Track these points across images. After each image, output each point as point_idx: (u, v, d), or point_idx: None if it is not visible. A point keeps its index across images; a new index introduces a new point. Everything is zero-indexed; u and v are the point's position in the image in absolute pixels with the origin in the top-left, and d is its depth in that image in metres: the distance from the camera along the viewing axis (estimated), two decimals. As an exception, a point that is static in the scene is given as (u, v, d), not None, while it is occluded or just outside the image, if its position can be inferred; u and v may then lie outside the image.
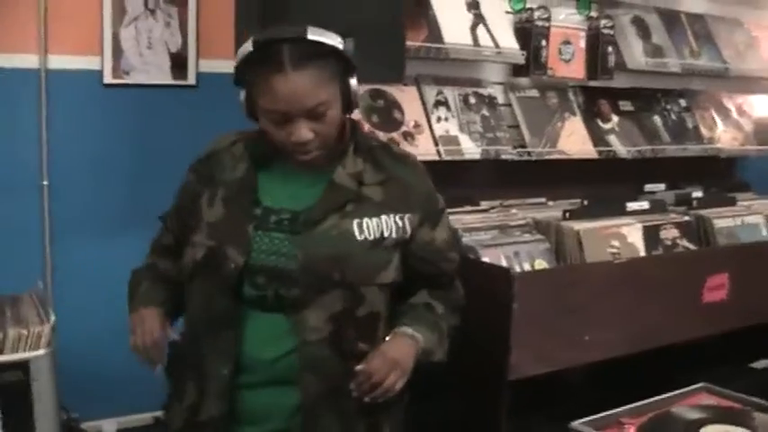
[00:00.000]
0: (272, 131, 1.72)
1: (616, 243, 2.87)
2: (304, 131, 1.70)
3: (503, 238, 2.74)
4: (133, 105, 2.66)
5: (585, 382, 2.87)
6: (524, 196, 3.19)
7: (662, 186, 3.49)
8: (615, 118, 3.34)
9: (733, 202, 3.41)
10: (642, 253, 2.92)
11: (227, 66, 2.62)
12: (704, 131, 3.59)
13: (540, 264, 2.73)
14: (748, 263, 3.09)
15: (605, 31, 3.19)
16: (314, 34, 1.69)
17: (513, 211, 3.00)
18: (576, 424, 1.75)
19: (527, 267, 2.69)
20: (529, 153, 3.03)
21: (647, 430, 1.74)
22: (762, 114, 3.88)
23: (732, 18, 3.74)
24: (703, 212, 3.21)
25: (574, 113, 3.24)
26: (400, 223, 1.82)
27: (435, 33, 2.79)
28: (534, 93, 3.18)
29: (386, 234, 1.80)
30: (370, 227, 1.78)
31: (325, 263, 1.73)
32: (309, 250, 1.73)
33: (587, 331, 2.64)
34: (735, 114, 3.77)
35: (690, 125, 3.57)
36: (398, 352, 1.76)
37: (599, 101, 3.33)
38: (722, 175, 3.85)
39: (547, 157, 3.09)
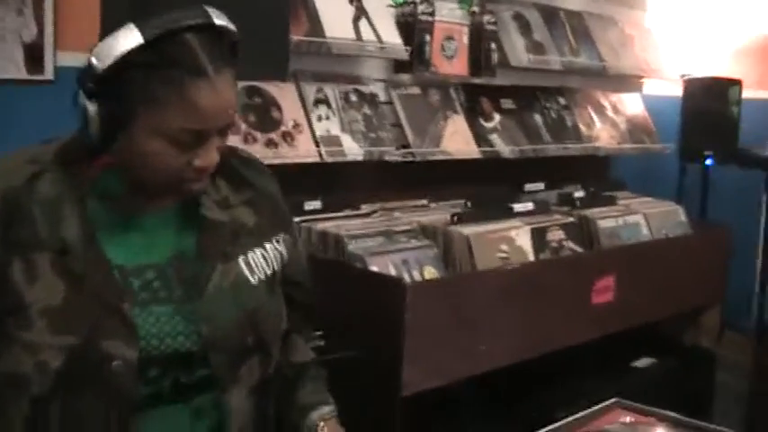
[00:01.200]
0: (164, 158, 1.27)
1: (505, 247, 2.77)
2: (214, 154, 1.30)
3: (389, 244, 2.60)
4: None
5: (477, 393, 2.76)
6: (405, 198, 3.07)
7: (541, 185, 3.44)
8: (497, 116, 3.26)
9: (613, 202, 3.39)
10: (531, 256, 2.84)
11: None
12: (583, 130, 3.56)
13: (430, 271, 2.59)
14: (633, 263, 3.08)
15: (488, 27, 3.09)
16: (218, 18, 1.28)
17: (397, 214, 2.87)
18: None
19: (416, 275, 2.55)
20: (412, 154, 2.90)
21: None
22: (635, 112, 3.89)
23: (608, 16, 3.73)
24: (587, 213, 3.16)
25: (456, 112, 3.13)
26: (279, 248, 1.48)
27: (316, 27, 2.61)
28: (416, 90, 3.04)
29: (275, 267, 1.45)
30: (258, 263, 1.42)
31: (236, 330, 1.36)
32: (212, 321, 1.34)
33: (482, 341, 2.54)
34: (611, 112, 3.76)
35: (569, 123, 3.52)
36: None
37: (481, 99, 3.24)
38: (599, 174, 3.85)
39: (430, 158, 2.96)
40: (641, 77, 3.91)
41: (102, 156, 1.29)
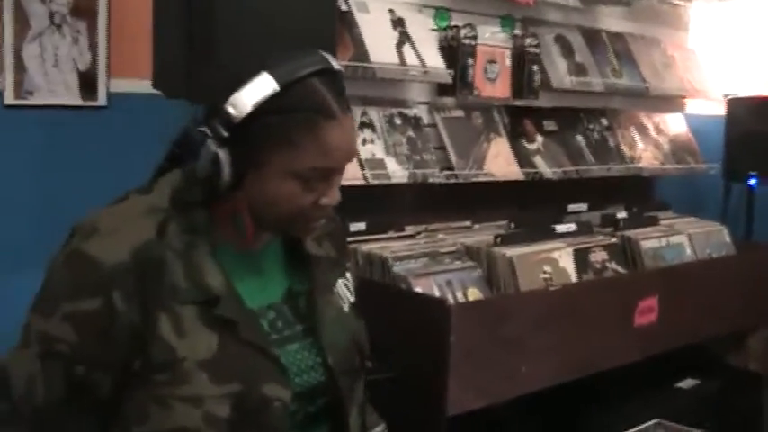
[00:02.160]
0: (294, 198, 1.31)
1: (548, 268, 2.79)
2: (338, 191, 1.35)
3: (433, 265, 2.63)
4: (38, 128, 2.45)
5: (520, 414, 2.77)
6: (449, 220, 3.09)
7: (584, 206, 3.44)
8: (540, 138, 3.28)
9: (656, 222, 3.39)
10: (573, 277, 2.85)
11: (140, 85, 2.47)
12: (626, 150, 3.56)
13: (474, 292, 2.62)
14: (676, 285, 3.08)
15: (530, 49, 3.12)
16: (334, 62, 1.33)
17: (441, 236, 2.90)
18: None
19: (460, 296, 2.58)
20: (456, 176, 2.93)
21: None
22: (678, 132, 3.88)
23: (650, 37, 3.73)
24: (629, 234, 3.17)
25: (499, 134, 3.16)
26: (351, 276, 1.55)
27: (361, 52, 2.66)
28: (459, 113, 3.08)
29: (354, 293, 1.52)
30: (344, 292, 1.49)
31: (349, 354, 1.44)
32: (334, 350, 1.41)
33: (523, 362, 2.55)
34: (653, 133, 3.76)
35: (612, 144, 3.53)
36: None
37: (523, 121, 3.26)
38: (642, 194, 3.84)
39: (473, 180, 2.99)
40: (684, 98, 3.90)
41: (227, 202, 1.33)
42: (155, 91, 2.25)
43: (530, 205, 3.27)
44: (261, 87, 1.26)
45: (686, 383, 3.36)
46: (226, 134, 1.27)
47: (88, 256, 1.27)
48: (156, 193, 1.35)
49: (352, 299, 1.51)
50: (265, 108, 1.26)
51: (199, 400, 1.26)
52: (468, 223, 3.13)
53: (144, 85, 2.47)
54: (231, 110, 1.26)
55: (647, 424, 1.90)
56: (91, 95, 2.45)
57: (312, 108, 1.27)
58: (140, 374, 1.27)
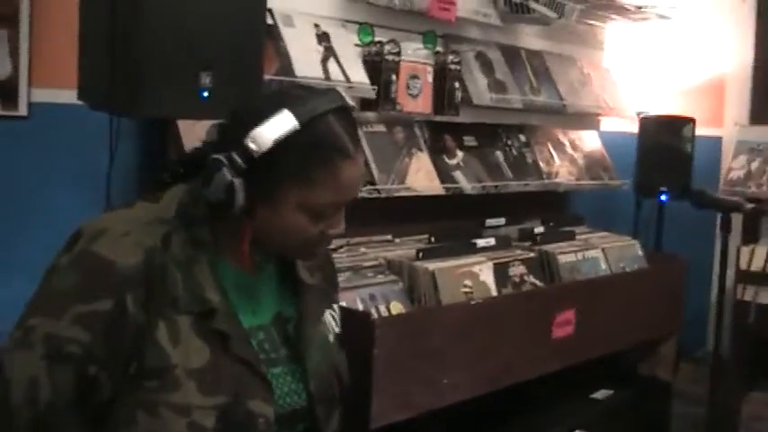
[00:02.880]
0: (303, 229, 1.36)
1: (469, 282, 2.84)
2: (343, 221, 1.41)
3: (357, 279, 2.65)
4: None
5: (440, 426, 2.81)
6: (370, 234, 3.11)
7: (502, 221, 3.50)
8: (460, 153, 3.33)
9: (573, 237, 3.47)
10: (493, 291, 2.91)
11: (63, 95, 2.44)
12: (543, 166, 3.65)
13: (396, 306, 2.65)
14: (592, 297, 3.16)
15: (452, 66, 3.17)
16: (348, 100, 1.40)
17: (363, 249, 2.91)
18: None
19: (383, 310, 2.61)
20: (378, 191, 2.96)
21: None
22: (593, 149, 3.99)
23: (567, 55, 3.83)
24: (547, 248, 3.24)
25: (420, 149, 3.20)
26: (337, 309, 1.60)
27: (286, 66, 2.67)
28: (381, 128, 3.11)
29: (339, 325, 1.58)
30: (330, 322, 1.55)
31: (330, 384, 1.48)
32: (317, 378, 1.45)
33: (445, 374, 2.59)
34: (569, 149, 3.86)
35: (529, 160, 3.61)
36: None
37: (444, 136, 3.31)
38: (558, 208, 3.94)
39: (395, 194, 3.02)
40: (599, 115, 4.01)
41: (230, 223, 1.37)
42: (77, 101, 2.23)
43: (449, 219, 3.31)
44: (281, 124, 1.30)
45: (600, 394, 3.45)
46: (244, 166, 1.31)
47: (100, 256, 1.30)
48: (162, 205, 1.39)
49: (337, 330, 1.55)
50: (284, 144, 1.31)
51: (186, 409, 1.28)
52: (389, 237, 3.16)
53: (66, 95, 2.44)
54: (252, 145, 1.30)
55: (566, 435, 1.95)
56: (11, 105, 2.40)
57: (330, 146, 1.33)
58: (133, 379, 1.29)
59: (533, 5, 3.29)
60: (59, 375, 1.28)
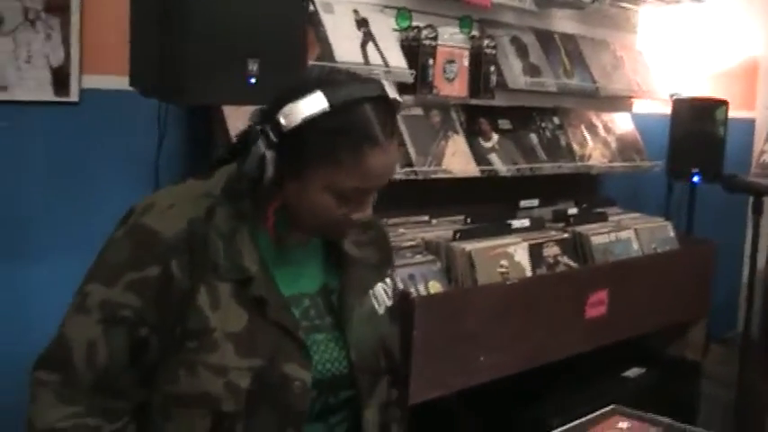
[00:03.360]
0: (327, 209, 1.41)
1: (504, 262, 2.90)
2: (371, 208, 1.45)
3: (396, 259, 2.71)
4: (10, 123, 2.47)
5: (476, 404, 2.88)
6: (407, 215, 3.18)
7: (535, 202, 3.55)
8: (495, 136, 3.38)
9: (605, 218, 3.52)
10: (528, 271, 2.96)
11: (113, 82, 2.51)
12: (576, 149, 3.68)
13: (435, 285, 2.72)
14: (625, 278, 3.21)
15: (488, 50, 3.22)
16: (391, 91, 1.43)
17: (401, 230, 2.98)
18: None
19: (422, 289, 2.68)
20: (416, 173, 3.02)
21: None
22: (625, 131, 4.02)
23: (600, 39, 3.86)
24: (580, 229, 3.29)
25: (456, 132, 3.26)
26: (392, 282, 1.66)
27: (327, 52, 2.73)
28: (419, 111, 3.17)
29: (392, 299, 1.63)
30: (381, 295, 1.59)
31: (374, 354, 1.54)
32: (359, 347, 1.51)
33: (481, 353, 2.66)
34: (602, 132, 3.89)
35: (563, 143, 3.65)
36: None
37: (479, 119, 3.36)
38: (590, 190, 3.98)
39: (432, 176, 3.08)
40: (632, 98, 4.04)
41: (274, 199, 1.43)
42: (127, 87, 2.31)
43: (483, 201, 3.37)
44: (312, 104, 1.35)
45: (632, 372, 3.50)
46: (275, 139, 1.37)
47: (147, 227, 1.41)
48: (213, 180, 1.48)
49: (389, 303, 1.61)
50: (314, 125, 1.36)
51: (223, 369, 1.38)
52: (426, 218, 3.22)
53: (116, 81, 2.51)
54: (282, 119, 1.37)
55: (604, 409, 2.00)
56: (63, 92, 2.47)
57: (357, 133, 1.36)
58: (177, 340, 1.40)
59: (568, -10, 3.33)
60: (114, 338, 1.39)
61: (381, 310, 1.59)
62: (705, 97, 4.06)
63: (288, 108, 1.37)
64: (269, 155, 1.37)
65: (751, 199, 3.07)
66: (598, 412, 1.99)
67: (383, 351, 1.58)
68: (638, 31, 4.12)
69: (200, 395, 1.39)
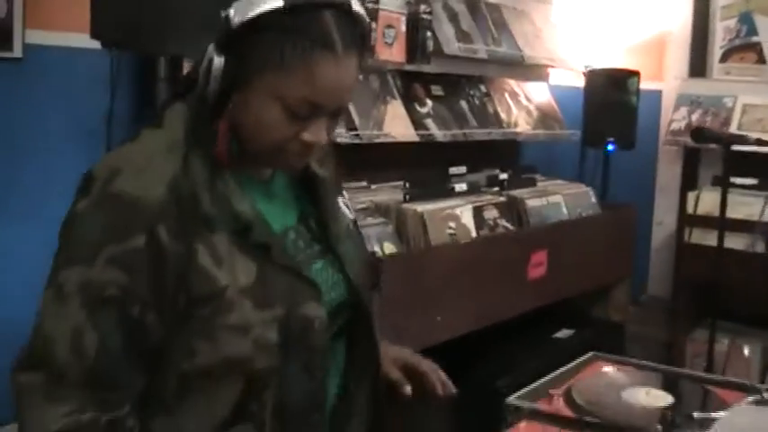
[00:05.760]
0: (275, 125, 1.27)
1: (452, 224, 2.92)
2: (324, 132, 1.31)
3: (349, 221, 2.70)
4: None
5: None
6: (345, 180, 3.15)
7: (463, 169, 3.59)
8: (429, 102, 3.40)
9: (534, 183, 3.59)
10: (473, 233, 3.00)
11: (59, 38, 2.40)
12: (504, 116, 3.74)
13: (389, 247, 2.71)
14: (561, 240, 3.29)
15: (424, 16, 3.22)
16: (356, 4, 1.28)
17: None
18: (512, 399, 1.74)
19: (377, 251, 2.66)
20: (359, 136, 3.00)
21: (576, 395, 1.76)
22: (544, 100, 4.11)
23: (520, 9, 3.93)
24: (515, 193, 3.35)
25: (394, 97, 3.25)
26: (347, 196, 1.57)
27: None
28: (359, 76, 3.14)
29: (352, 214, 1.55)
30: (344, 210, 1.51)
31: (365, 269, 1.48)
32: (354, 266, 1.44)
33: (438, 312, 2.67)
34: (524, 100, 3.96)
35: (491, 110, 3.70)
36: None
37: (414, 85, 3.37)
38: (513, 158, 4.05)
39: (375, 141, 3.07)
40: (551, 67, 4.12)
41: (223, 117, 1.28)
42: (72, 44, 2.20)
43: (416, 167, 3.37)
44: (266, 1, 1.22)
45: (563, 333, 3.59)
46: (223, 40, 1.24)
47: (123, 195, 1.23)
48: (168, 128, 1.31)
49: (352, 216, 1.53)
50: (265, 24, 1.22)
51: (246, 327, 1.25)
52: (364, 183, 3.21)
53: (61, 38, 2.40)
54: (232, 13, 1.23)
55: (585, 357, 2.03)
56: (5, 47, 2.34)
57: (311, 35, 1.23)
58: (183, 312, 1.25)
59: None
60: (102, 321, 1.22)
61: (351, 225, 1.51)
62: (618, 68, 4.19)
63: (239, 3, 1.23)
64: (217, 61, 1.24)
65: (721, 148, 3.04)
66: (580, 359, 2.02)
67: (369, 265, 1.52)
68: (554, 2, 4.22)
69: (226, 361, 1.27)
